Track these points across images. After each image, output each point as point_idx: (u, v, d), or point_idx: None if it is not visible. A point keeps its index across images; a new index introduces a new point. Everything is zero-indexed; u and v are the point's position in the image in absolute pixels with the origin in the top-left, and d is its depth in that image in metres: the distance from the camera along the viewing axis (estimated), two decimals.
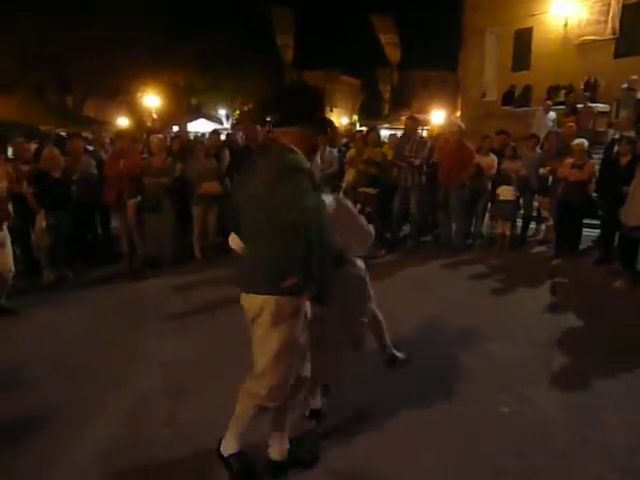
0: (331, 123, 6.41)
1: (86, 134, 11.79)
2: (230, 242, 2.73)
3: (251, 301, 2.53)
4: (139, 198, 6.70)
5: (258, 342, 2.60)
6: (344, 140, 9.44)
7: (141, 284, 6.30)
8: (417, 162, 7.43)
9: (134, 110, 26.07)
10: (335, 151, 7.92)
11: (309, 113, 2.51)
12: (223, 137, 9.82)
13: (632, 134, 8.08)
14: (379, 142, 8.30)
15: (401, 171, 7.65)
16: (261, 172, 2.44)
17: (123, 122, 26.08)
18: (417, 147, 7.49)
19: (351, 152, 7.92)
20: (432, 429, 3.21)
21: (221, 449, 2.75)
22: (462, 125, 7.66)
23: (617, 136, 9.20)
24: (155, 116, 26.45)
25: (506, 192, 7.75)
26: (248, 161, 2.67)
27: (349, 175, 7.62)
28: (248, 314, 2.58)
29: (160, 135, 7.54)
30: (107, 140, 8.78)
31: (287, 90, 2.75)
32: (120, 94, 25.99)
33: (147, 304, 5.62)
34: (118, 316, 5.25)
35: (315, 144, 2.57)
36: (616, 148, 7.12)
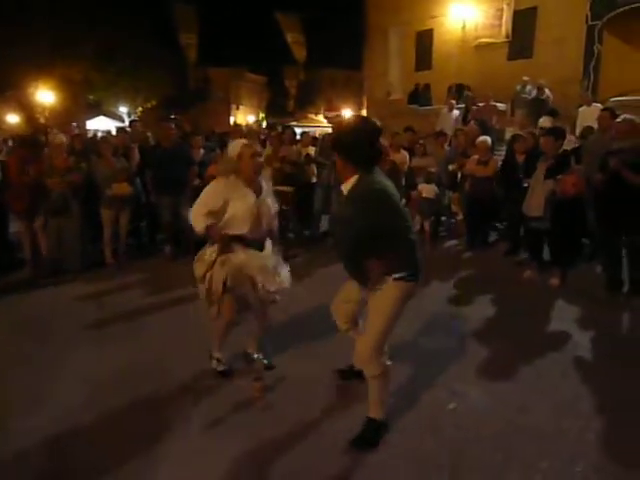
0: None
1: None
2: None
3: None
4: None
5: None
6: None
7: (48, 293, 5.82)
8: None
9: (25, 106, 24.20)
10: None
11: None
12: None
13: (529, 131, 8.59)
14: (294, 140, 8.26)
15: (323, 169, 7.72)
16: None
17: (12, 119, 24.23)
18: None
19: (267, 150, 7.80)
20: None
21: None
22: (377, 122, 7.77)
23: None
24: (47, 113, 24.80)
25: (428, 190, 7.99)
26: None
27: (265, 174, 7.51)
28: None
29: (62, 134, 6.98)
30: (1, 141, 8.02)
31: None
32: (8, 89, 23.98)
33: (57, 315, 5.17)
34: (25, 329, 4.79)
35: None
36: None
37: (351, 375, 3.59)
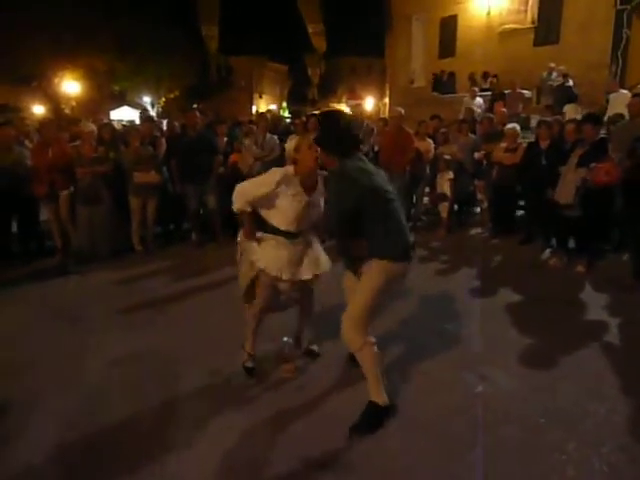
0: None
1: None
2: None
3: None
4: (72, 189, 6.38)
5: None
6: None
7: (78, 279, 5.96)
8: (365, 148, 7.50)
9: (51, 97, 24.58)
10: (276, 137, 7.83)
11: None
12: None
13: (555, 118, 8.47)
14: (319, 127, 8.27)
15: None
16: None
17: (39, 110, 24.59)
18: (364, 134, 7.58)
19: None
20: (399, 408, 3.26)
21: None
22: (402, 111, 7.76)
23: None
24: (74, 103, 25.14)
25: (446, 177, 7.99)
26: None
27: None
28: None
29: (91, 123, 7.11)
30: (31, 129, 8.18)
31: None
32: (35, 79, 24.38)
33: (87, 300, 5.32)
34: (56, 315, 4.93)
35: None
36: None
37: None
